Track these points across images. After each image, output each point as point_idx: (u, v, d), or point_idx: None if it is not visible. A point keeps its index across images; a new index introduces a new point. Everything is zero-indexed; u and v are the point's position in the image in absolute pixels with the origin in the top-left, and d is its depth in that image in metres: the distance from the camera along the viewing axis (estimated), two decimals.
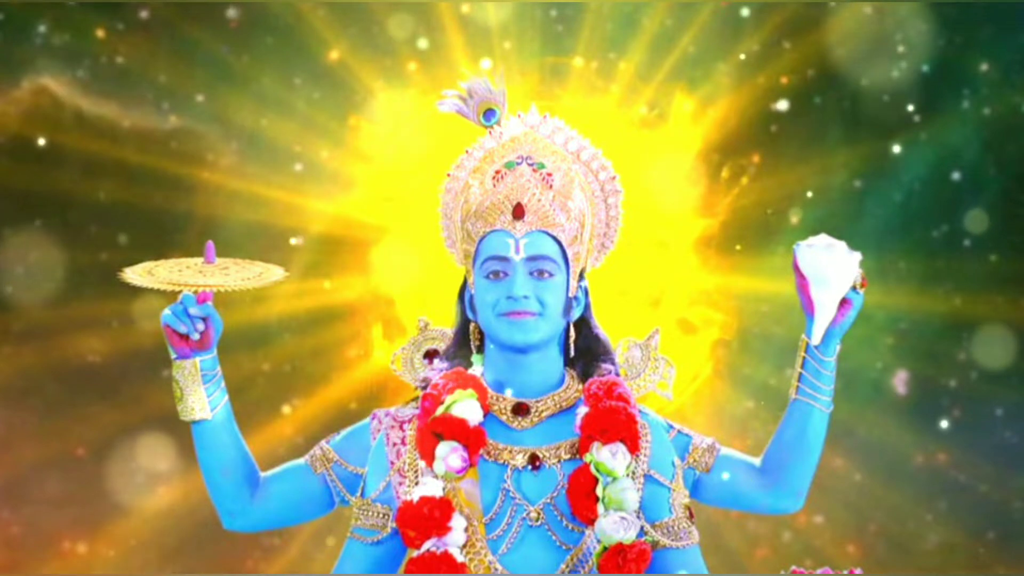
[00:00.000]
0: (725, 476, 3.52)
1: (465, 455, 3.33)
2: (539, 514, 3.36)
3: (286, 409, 6.40)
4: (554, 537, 3.35)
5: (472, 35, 6.34)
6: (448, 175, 3.53)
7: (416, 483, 3.37)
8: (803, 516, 6.33)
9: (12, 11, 6.30)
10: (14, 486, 6.40)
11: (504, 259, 3.37)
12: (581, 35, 6.39)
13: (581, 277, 3.47)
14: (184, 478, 6.24)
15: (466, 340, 3.49)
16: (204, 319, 3.39)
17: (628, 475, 3.34)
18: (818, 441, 3.52)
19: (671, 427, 3.52)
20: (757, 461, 3.56)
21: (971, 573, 6.41)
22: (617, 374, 3.48)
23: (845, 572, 3.26)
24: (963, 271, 6.41)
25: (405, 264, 6.32)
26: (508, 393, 3.43)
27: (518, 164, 3.44)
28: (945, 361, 6.44)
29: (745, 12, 6.31)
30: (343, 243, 6.44)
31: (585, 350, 3.48)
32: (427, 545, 3.31)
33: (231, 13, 6.34)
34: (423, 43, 6.33)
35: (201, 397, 3.42)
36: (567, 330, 3.45)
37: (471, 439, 3.34)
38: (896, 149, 6.40)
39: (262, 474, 3.53)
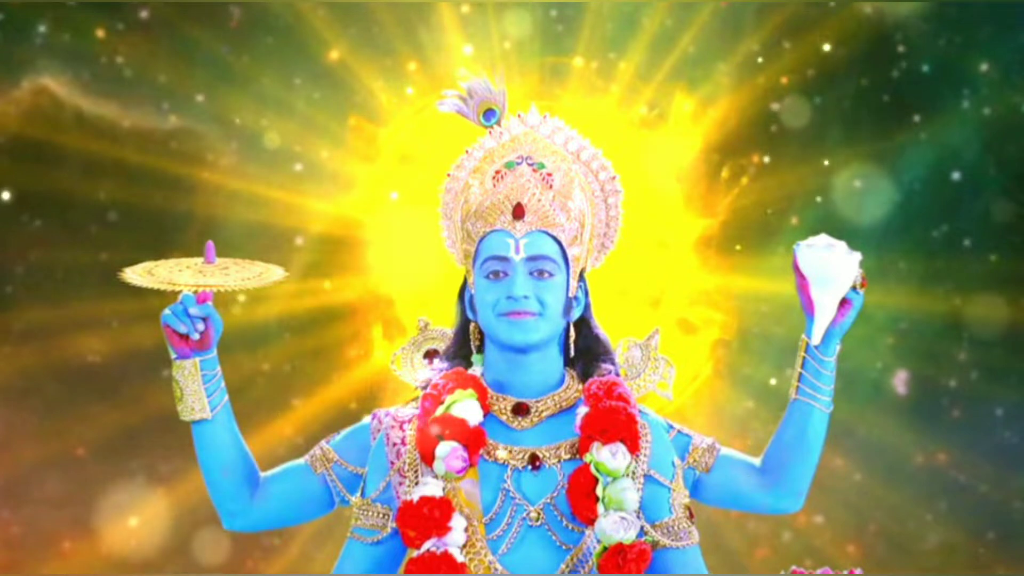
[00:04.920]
0: (725, 476, 3.52)
1: (465, 455, 3.33)
2: (539, 514, 3.36)
3: (286, 409, 6.40)
4: (554, 537, 3.35)
5: (472, 35, 6.34)
6: (448, 175, 3.52)
7: (416, 483, 3.37)
8: (803, 516, 6.33)
9: (12, 11, 6.30)
10: (14, 486, 6.40)
11: (504, 259, 3.37)
12: (581, 35, 6.39)
13: (581, 277, 3.47)
14: (184, 478, 6.25)
15: (466, 340, 3.49)
16: (204, 319, 3.39)
17: (628, 475, 3.34)
18: (818, 441, 3.52)
19: (671, 427, 3.52)
20: (757, 461, 3.56)
21: (971, 573, 6.41)
22: (617, 374, 3.48)
23: (845, 572, 3.26)
24: (963, 271, 6.41)
25: (405, 264, 6.32)
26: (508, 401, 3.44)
27: (518, 164, 3.43)
28: (945, 361, 6.44)
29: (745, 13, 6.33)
30: (343, 243, 6.44)
31: (585, 350, 3.48)
32: (427, 545, 3.30)
33: (231, 13, 6.34)
34: (423, 43, 6.33)
35: (201, 397, 3.42)
36: (567, 330, 3.45)
37: (471, 439, 3.34)
38: (896, 149, 6.40)
39: (262, 474, 3.53)
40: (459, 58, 6.28)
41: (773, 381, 6.36)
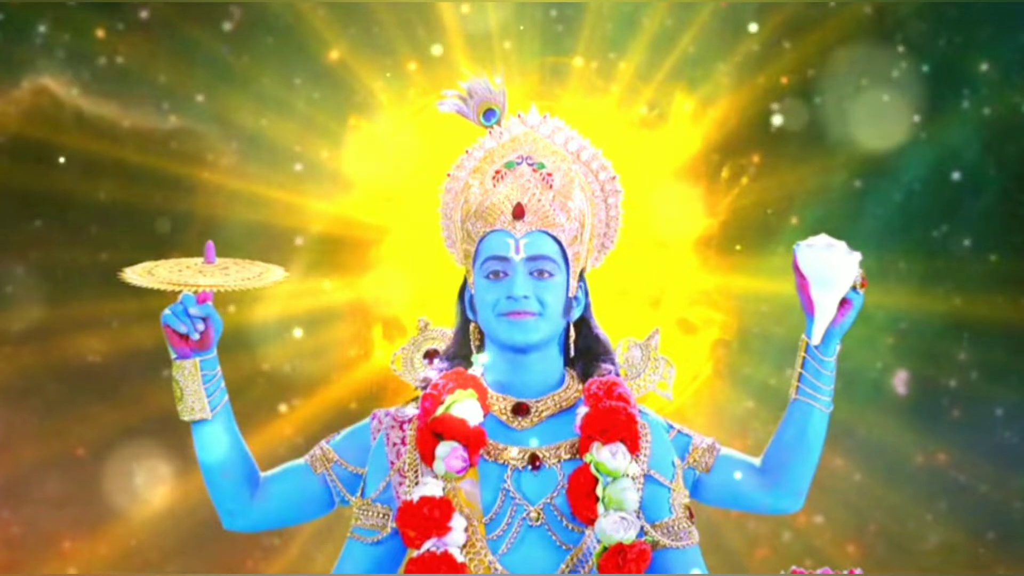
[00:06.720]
0: (725, 476, 3.52)
1: (465, 455, 3.33)
2: (539, 514, 3.36)
3: (286, 409, 6.40)
4: (554, 537, 3.35)
5: (472, 35, 6.34)
6: (448, 175, 3.53)
7: (416, 483, 3.37)
8: (803, 516, 6.33)
9: (12, 11, 6.30)
10: (14, 486, 6.40)
11: (504, 259, 3.37)
12: (581, 35, 6.39)
13: (581, 277, 3.47)
14: (184, 478, 6.24)
15: (466, 340, 3.49)
16: (204, 319, 3.39)
17: (628, 475, 3.34)
18: (818, 441, 3.52)
19: (671, 427, 3.52)
20: (757, 461, 3.56)
21: (971, 573, 6.40)
22: (617, 374, 3.48)
23: (845, 572, 3.26)
24: (963, 271, 6.40)
25: (405, 264, 6.32)
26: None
27: (518, 164, 3.44)
28: (945, 361, 6.44)
29: (753, 28, 6.31)
30: (343, 243, 6.44)
31: (585, 350, 3.48)
32: (427, 545, 3.31)
33: (231, 14, 6.34)
34: (422, 43, 6.33)
35: (201, 397, 3.42)
36: (567, 330, 3.45)
37: (471, 439, 3.34)
38: (896, 149, 6.40)
39: (262, 474, 3.53)
40: (460, 58, 6.28)
41: (773, 381, 6.35)
